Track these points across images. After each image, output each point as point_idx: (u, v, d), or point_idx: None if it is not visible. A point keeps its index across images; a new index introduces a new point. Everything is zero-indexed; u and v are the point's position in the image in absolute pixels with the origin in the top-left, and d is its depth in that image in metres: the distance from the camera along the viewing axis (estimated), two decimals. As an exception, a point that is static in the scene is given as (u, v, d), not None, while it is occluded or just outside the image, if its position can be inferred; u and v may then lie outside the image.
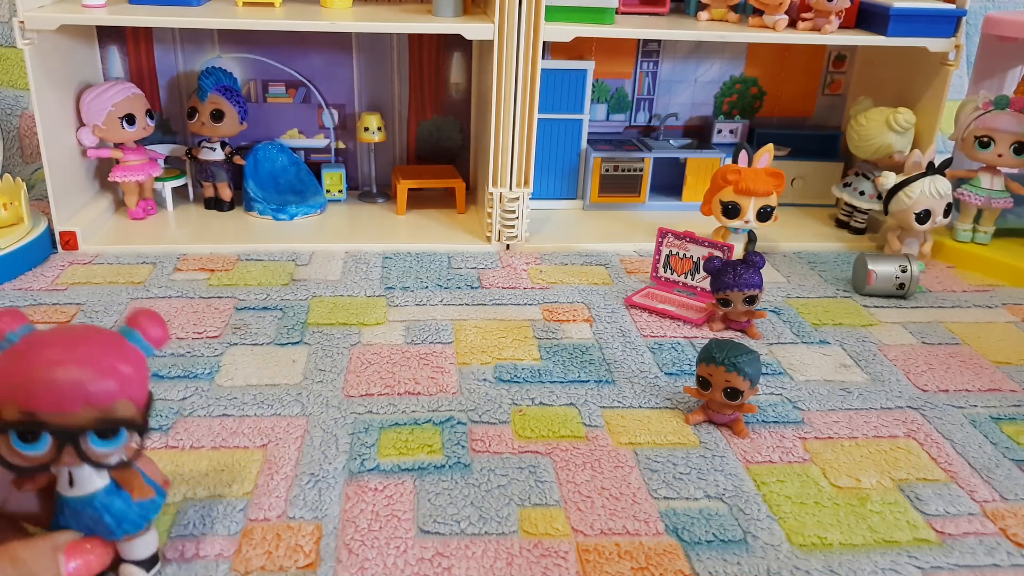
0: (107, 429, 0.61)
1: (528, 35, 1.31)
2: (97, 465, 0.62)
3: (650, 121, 1.73)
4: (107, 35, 1.52)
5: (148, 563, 0.70)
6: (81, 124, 1.41)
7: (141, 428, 0.63)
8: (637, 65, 1.68)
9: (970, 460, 0.93)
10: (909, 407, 1.02)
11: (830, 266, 1.44)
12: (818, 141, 1.72)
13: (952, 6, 1.42)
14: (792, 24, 1.46)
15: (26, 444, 0.60)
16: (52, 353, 0.60)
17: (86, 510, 0.65)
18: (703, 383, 0.94)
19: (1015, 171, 1.47)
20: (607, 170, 1.60)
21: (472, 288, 1.29)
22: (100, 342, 0.63)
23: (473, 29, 1.33)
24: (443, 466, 0.87)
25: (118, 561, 0.69)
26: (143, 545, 0.69)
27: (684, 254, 1.29)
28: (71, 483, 0.64)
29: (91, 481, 0.65)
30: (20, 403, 0.59)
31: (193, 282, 1.27)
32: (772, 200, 1.35)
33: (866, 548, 0.79)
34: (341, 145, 1.66)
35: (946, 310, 1.29)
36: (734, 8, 1.51)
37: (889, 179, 1.37)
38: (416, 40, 1.60)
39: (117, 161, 1.46)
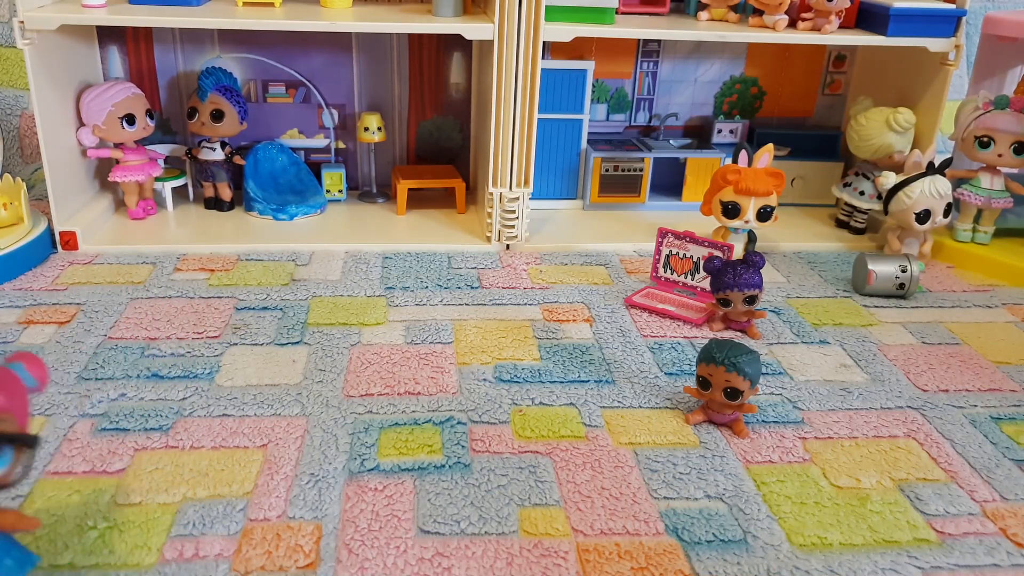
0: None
1: (528, 35, 1.31)
2: None
3: (650, 121, 1.73)
4: (107, 35, 1.52)
5: None
6: (81, 124, 1.41)
7: (30, 445, 0.61)
8: (637, 65, 1.68)
9: (970, 460, 0.93)
10: (909, 407, 1.02)
11: (830, 266, 1.44)
12: (818, 141, 1.72)
13: (952, 6, 1.42)
14: (792, 24, 1.46)
15: None
16: None
17: None
18: (703, 383, 0.94)
19: (1015, 171, 1.47)
20: (607, 170, 1.60)
21: (472, 288, 1.29)
22: None
23: (473, 29, 1.33)
24: (443, 466, 0.87)
25: None
26: None
27: (684, 254, 1.29)
28: None
29: None
30: None
31: (193, 282, 1.27)
32: (772, 200, 1.35)
33: (866, 548, 0.79)
34: (341, 145, 1.66)
35: (946, 310, 1.29)
36: (734, 8, 1.50)
37: (889, 179, 1.37)
38: (416, 40, 1.60)
39: (117, 161, 1.46)
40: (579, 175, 1.63)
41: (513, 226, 1.43)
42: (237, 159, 1.54)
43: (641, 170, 1.61)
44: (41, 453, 0.87)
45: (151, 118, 1.46)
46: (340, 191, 1.61)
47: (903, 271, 1.30)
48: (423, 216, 1.57)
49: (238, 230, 1.47)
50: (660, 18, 1.52)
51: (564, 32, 1.36)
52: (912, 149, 1.50)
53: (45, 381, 0.68)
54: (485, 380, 1.04)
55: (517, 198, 1.41)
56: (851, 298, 1.32)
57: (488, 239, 1.45)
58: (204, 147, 1.52)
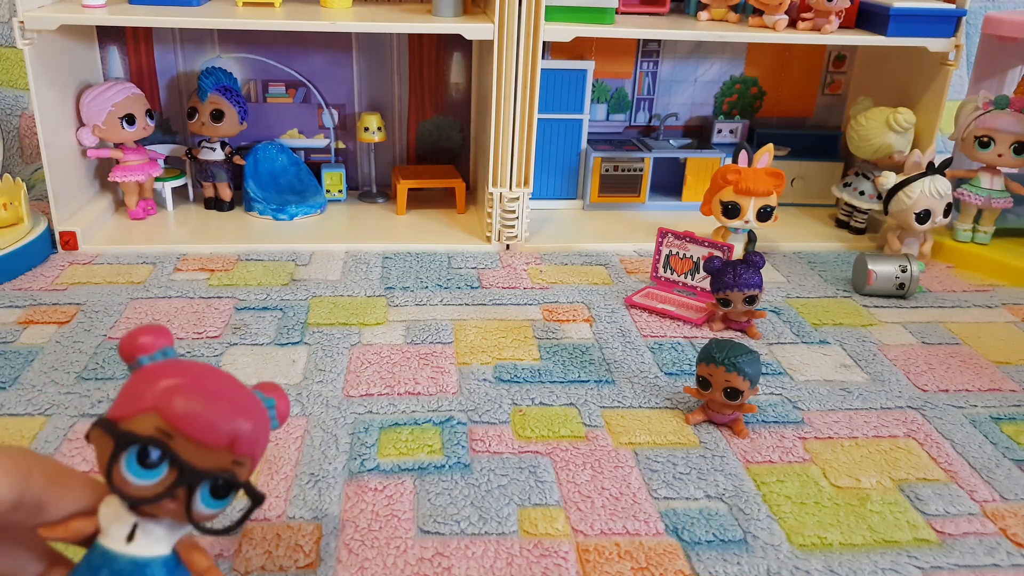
0: (227, 485, 0.53)
1: (528, 35, 1.31)
2: (193, 524, 0.53)
3: (650, 121, 1.73)
4: (107, 35, 1.52)
5: None
6: (81, 124, 1.41)
7: (256, 502, 0.54)
8: (637, 65, 1.68)
9: (970, 460, 0.93)
10: (909, 407, 1.02)
11: (830, 266, 1.44)
12: (818, 141, 1.72)
13: (952, 6, 1.42)
14: (792, 24, 1.46)
15: (141, 469, 0.51)
16: (217, 382, 0.54)
17: None
18: (703, 383, 0.94)
19: (1015, 171, 1.47)
20: (607, 170, 1.60)
21: (472, 288, 1.29)
22: (254, 397, 0.57)
23: (473, 29, 1.33)
24: (443, 466, 0.87)
25: None
26: None
27: (684, 254, 1.29)
28: (131, 537, 0.54)
29: (157, 544, 0.54)
30: (165, 417, 0.51)
31: (193, 282, 1.27)
32: (772, 200, 1.35)
33: (866, 548, 0.79)
34: (341, 145, 1.66)
35: (946, 310, 1.29)
36: (734, 8, 1.51)
37: (889, 179, 1.37)
38: (416, 40, 1.60)
39: (117, 161, 1.46)
40: (579, 175, 1.63)
41: (513, 226, 1.43)
42: (237, 159, 1.54)
43: (641, 170, 1.61)
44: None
45: (151, 118, 1.46)
46: (340, 191, 1.61)
47: (903, 271, 1.30)
48: (423, 216, 1.57)
49: (238, 230, 1.47)
50: (660, 18, 1.52)
51: (564, 32, 1.36)
52: (912, 149, 1.50)
53: (284, 422, 0.61)
54: (485, 380, 1.04)
55: (517, 198, 1.41)
56: (851, 298, 1.32)
57: (488, 239, 1.45)
58: (204, 147, 1.52)
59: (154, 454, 0.51)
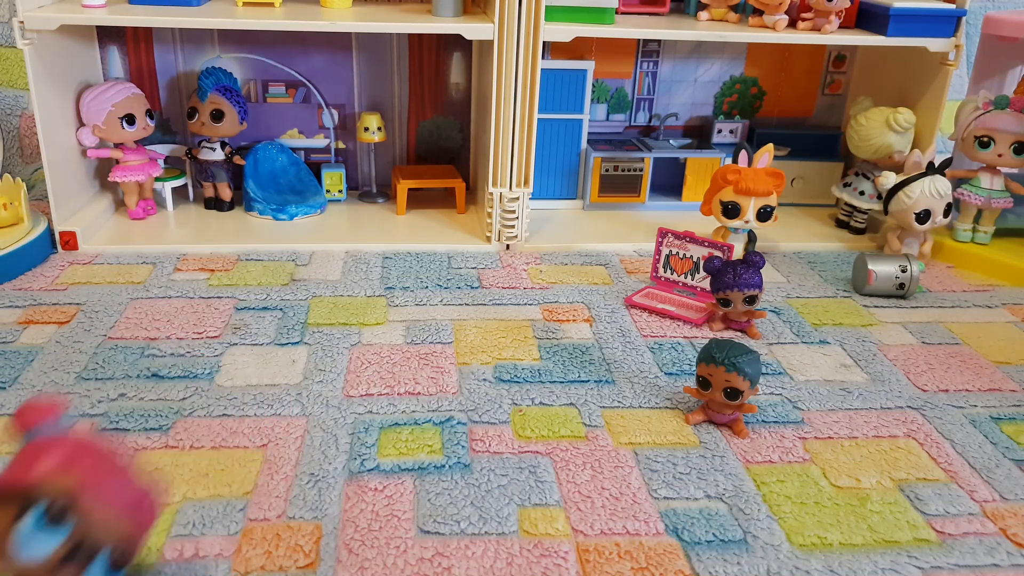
0: (119, 561, 0.55)
1: (528, 35, 1.31)
2: None
3: (650, 121, 1.73)
4: (107, 35, 1.52)
5: None
6: (81, 124, 1.41)
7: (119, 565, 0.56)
8: (637, 65, 1.68)
9: (970, 460, 0.93)
10: (909, 407, 1.02)
11: (830, 266, 1.44)
12: (818, 141, 1.72)
13: (952, 6, 1.42)
14: (792, 24, 1.46)
15: (46, 530, 0.52)
16: (109, 460, 0.57)
17: None
18: (703, 383, 0.94)
19: (1015, 171, 1.47)
20: (607, 170, 1.60)
21: (472, 288, 1.29)
22: (138, 480, 0.60)
23: (473, 29, 1.33)
24: (443, 466, 0.87)
25: None
26: None
27: (684, 254, 1.29)
28: None
29: None
30: (87, 481, 0.53)
31: (193, 282, 1.27)
32: (772, 200, 1.35)
33: (866, 548, 0.79)
34: (341, 145, 1.66)
35: (946, 310, 1.29)
36: (734, 8, 1.51)
37: (889, 179, 1.37)
38: (416, 40, 1.60)
39: (117, 161, 1.46)
40: (579, 175, 1.63)
41: (513, 226, 1.43)
42: (237, 159, 1.54)
43: (641, 170, 1.61)
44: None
45: (151, 118, 1.46)
46: (340, 191, 1.61)
47: (903, 271, 1.30)
48: (423, 216, 1.57)
49: (238, 230, 1.47)
50: (660, 18, 1.52)
51: (564, 32, 1.36)
52: (912, 149, 1.50)
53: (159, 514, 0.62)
54: (485, 380, 1.04)
55: (517, 198, 1.41)
56: (851, 298, 1.32)
57: (488, 239, 1.45)
58: (204, 147, 1.52)
59: (58, 515, 0.52)
